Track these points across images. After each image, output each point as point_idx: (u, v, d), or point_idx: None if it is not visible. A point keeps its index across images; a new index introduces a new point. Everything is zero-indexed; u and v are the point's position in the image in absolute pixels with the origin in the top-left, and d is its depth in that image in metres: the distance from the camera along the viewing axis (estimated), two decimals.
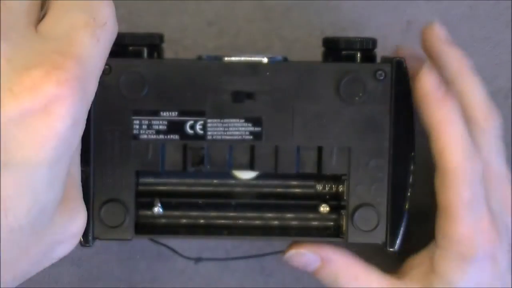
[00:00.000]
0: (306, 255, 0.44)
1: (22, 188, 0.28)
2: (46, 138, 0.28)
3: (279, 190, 0.43)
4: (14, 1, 0.30)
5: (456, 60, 0.43)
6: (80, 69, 0.29)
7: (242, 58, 0.41)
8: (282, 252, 0.45)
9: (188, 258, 0.51)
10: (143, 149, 0.40)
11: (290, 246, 0.44)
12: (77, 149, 0.33)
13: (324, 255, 0.44)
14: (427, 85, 0.40)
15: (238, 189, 0.43)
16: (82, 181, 0.35)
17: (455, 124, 0.40)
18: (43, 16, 0.31)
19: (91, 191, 0.40)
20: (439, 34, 0.42)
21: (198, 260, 0.52)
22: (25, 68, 0.28)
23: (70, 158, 0.30)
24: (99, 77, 0.31)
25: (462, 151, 0.40)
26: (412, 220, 0.41)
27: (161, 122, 0.40)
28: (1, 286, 0.29)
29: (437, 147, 0.41)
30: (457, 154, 0.40)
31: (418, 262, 0.44)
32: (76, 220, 0.33)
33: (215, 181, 0.43)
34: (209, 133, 0.40)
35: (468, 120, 0.42)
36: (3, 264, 0.29)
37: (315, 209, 0.43)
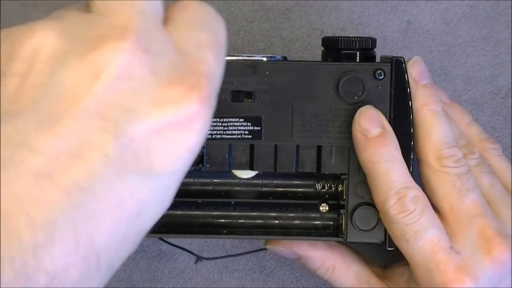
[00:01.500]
0: (283, 251, 0.45)
1: (157, 195, 0.29)
2: (182, 150, 0.29)
3: (278, 189, 0.43)
4: (145, 2, 0.30)
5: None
6: (211, 88, 0.30)
7: (242, 58, 0.41)
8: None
9: (194, 254, 0.51)
10: None
11: (268, 241, 0.45)
12: None
13: (300, 252, 0.44)
14: (360, 124, 0.40)
15: (237, 189, 0.43)
16: None
17: (380, 164, 0.40)
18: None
19: None
20: (411, 72, 0.42)
21: (198, 259, 0.52)
22: (168, 82, 0.29)
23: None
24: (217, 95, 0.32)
25: (386, 193, 0.39)
26: None
27: None
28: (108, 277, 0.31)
29: (368, 184, 0.41)
30: (380, 196, 0.40)
31: (401, 271, 0.44)
32: None
33: (214, 180, 0.43)
34: (208, 132, 0.40)
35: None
36: (120, 261, 0.30)
37: (314, 208, 0.43)
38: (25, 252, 0.26)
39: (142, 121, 0.28)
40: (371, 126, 0.40)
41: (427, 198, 0.40)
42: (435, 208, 0.41)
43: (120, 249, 0.29)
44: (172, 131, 0.29)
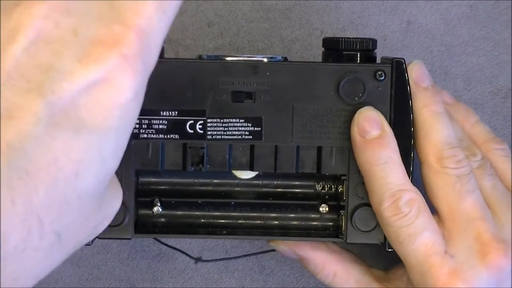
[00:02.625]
0: (285, 251, 0.45)
1: (92, 153, 0.29)
2: (111, 107, 0.29)
3: (278, 190, 0.43)
4: None
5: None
6: (142, 43, 0.30)
7: (242, 58, 0.41)
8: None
9: (191, 257, 0.51)
10: (143, 148, 0.40)
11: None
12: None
13: (301, 254, 0.45)
14: (359, 125, 0.40)
15: (237, 189, 0.43)
16: None
17: (377, 166, 0.40)
18: None
19: None
20: (411, 76, 0.41)
21: (198, 260, 0.52)
22: (90, 41, 0.29)
23: (130, 132, 0.31)
24: (160, 49, 0.32)
25: (381, 196, 0.39)
26: None
27: (161, 121, 0.40)
28: (62, 256, 0.30)
29: (366, 186, 0.41)
30: (376, 198, 0.40)
31: (401, 272, 0.44)
32: (117, 199, 0.35)
33: (214, 180, 0.43)
34: (209, 132, 0.40)
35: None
36: (71, 229, 0.30)
37: (314, 209, 0.43)
38: None
39: (67, 80, 0.28)
40: (370, 127, 0.40)
41: (424, 201, 0.40)
42: (435, 210, 0.41)
43: (63, 212, 0.29)
44: (97, 88, 0.29)
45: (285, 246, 0.45)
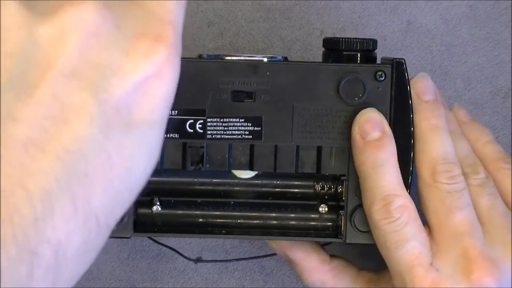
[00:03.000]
0: (277, 250, 0.45)
1: (142, 148, 0.30)
2: (158, 99, 0.30)
3: (278, 189, 0.43)
4: None
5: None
6: (176, 35, 0.31)
7: (243, 58, 0.41)
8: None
9: (188, 259, 0.51)
10: None
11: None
12: None
13: (292, 257, 0.45)
14: (360, 126, 0.40)
15: (237, 188, 0.43)
16: None
17: (373, 169, 0.39)
18: None
19: None
20: (414, 88, 0.41)
21: (198, 260, 0.52)
22: (134, 35, 0.29)
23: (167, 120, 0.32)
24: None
25: (373, 197, 0.39)
26: None
27: None
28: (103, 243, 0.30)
29: (360, 187, 0.40)
30: (369, 199, 0.39)
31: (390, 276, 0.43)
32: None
33: (214, 180, 0.43)
34: (208, 132, 0.40)
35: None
36: (116, 221, 0.30)
37: (313, 209, 0.43)
38: (26, 227, 0.26)
39: (116, 75, 0.29)
40: (371, 129, 0.40)
41: (415, 210, 0.39)
42: (426, 223, 0.40)
43: (116, 207, 0.29)
44: (146, 82, 0.29)
45: (278, 246, 0.45)
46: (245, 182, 0.43)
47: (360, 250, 0.48)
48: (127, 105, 0.29)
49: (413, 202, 0.40)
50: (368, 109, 0.40)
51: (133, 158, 0.29)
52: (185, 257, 0.51)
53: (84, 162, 0.27)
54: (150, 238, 0.49)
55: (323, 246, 0.46)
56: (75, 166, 0.27)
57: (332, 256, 0.45)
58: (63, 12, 0.28)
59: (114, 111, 0.28)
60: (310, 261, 0.44)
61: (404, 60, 0.41)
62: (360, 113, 0.40)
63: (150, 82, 0.29)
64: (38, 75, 0.27)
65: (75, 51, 0.28)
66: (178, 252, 0.51)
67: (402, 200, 0.39)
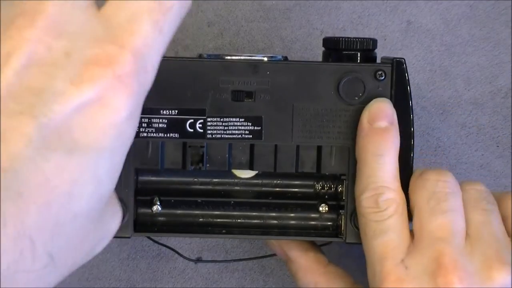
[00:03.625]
0: (275, 248, 0.45)
1: (86, 174, 0.29)
2: (105, 127, 0.29)
3: (278, 189, 0.43)
4: None
5: None
6: (137, 63, 0.29)
7: (243, 57, 0.41)
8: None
9: (188, 259, 0.51)
10: (142, 147, 0.40)
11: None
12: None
13: (290, 254, 0.45)
14: (370, 114, 0.40)
15: (237, 188, 0.43)
16: None
17: (372, 156, 0.39)
18: None
19: None
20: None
21: (198, 260, 0.52)
22: (83, 61, 0.29)
23: (126, 152, 0.31)
24: (157, 68, 0.31)
25: (366, 184, 0.39)
26: None
27: (161, 120, 0.40)
28: (57, 276, 0.30)
29: (356, 172, 0.40)
30: (361, 184, 0.39)
31: None
32: (116, 219, 0.35)
33: (214, 179, 0.43)
34: (209, 131, 0.40)
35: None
36: (65, 250, 0.30)
37: (314, 209, 0.43)
38: None
39: (58, 102, 0.28)
40: (380, 118, 0.40)
41: (405, 207, 0.39)
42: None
43: (57, 234, 0.29)
44: (90, 109, 0.29)
45: (277, 243, 0.45)
46: (245, 182, 0.43)
47: (360, 250, 0.48)
48: (69, 129, 0.29)
49: (404, 199, 0.39)
50: (383, 98, 0.40)
51: (76, 183, 0.29)
52: (184, 257, 0.51)
53: (18, 181, 0.27)
54: (149, 238, 0.49)
55: (320, 246, 0.46)
56: (7, 184, 0.27)
57: (331, 262, 0.45)
58: (8, 37, 0.29)
59: (54, 134, 0.28)
60: (307, 260, 0.44)
61: (404, 60, 0.41)
62: (374, 100, 0.40)
63: (93, 109, 0.29)
64: None
65: (14, 77, 0.28)
66: (177, 253, 0.51)
67: (393, 194, 0.39)
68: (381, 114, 0.40)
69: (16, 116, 0.28)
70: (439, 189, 0.39)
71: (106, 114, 0.29)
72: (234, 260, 0.51)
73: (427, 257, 0.38)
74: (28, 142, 0.28)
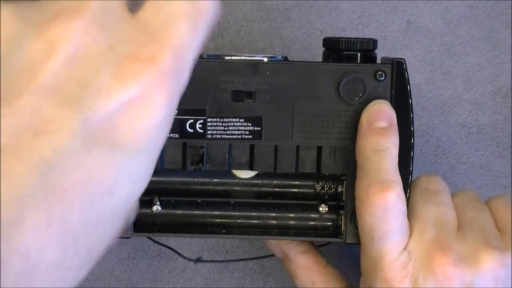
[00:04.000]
0: (274, 247, 0.45)
1: (125, 173, 0.29)
2: (146, 125, 0.29)
3: (278, 189, 0.43)
4: None
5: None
6: (176, 61, 0.29)
7: (243, 58, 0.41)
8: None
9: (188, 259, 0.51)
10: None
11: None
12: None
13: (288, 253, 0.45)
14: (369, 114, 0.40)
15: (237, 188, 0.43)
16: None
17: (373, 152, 0.40)
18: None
19: None
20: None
21: (198, 260, 0.52)
22: (126, 56, 0.29)
23: (159, 153, 0.31)
24: (191, 68, 0.31)
25: (372, 179, 0.39)
26: None
27: None
28: (87, 272, 0.30)
29: (357, 172, 0.41)
30: (366, 181, 0.39)
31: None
32: (134, 217, 0.34)
33: (214, 180, 0.43)
34: (209, 131, 0.40)
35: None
36: (99, 248, 0.30)
37: (313, 209, 0.43)
38: None
39: (102, 95, 0.28)
40: (380, 118, 0.40)
41: (405, 200, 0.40)
42: None
43: (97, 231, 0.29)
44: (133, 106, 0.28)
45: (276, 242, 0.45)
46: (245, 182, 0.43)
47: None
48: (112, 126, 0.28)
49: (403, 190, 0.40)
50: (382, 100, 0.40)
51: (117, 182, 0.29)
52: (184, 257, 0.51)
53: (61, 176, 0.27)
54: (149, 238, 0.49)
55: (319, 246, 0.47)
56: (52, 178, 0.27)
57: (328, 264, 0.46)
58: (54, 27, 0.28)
59: (97, 130, 0.28)
60: (306, 259, 0.45)
61: (404, 60, 0.41)
62: (373, 101, 0.40)
63: (136, 105, 0.29)
64: (22, 86, 0.27)
65: (61, 67, 0.28)
66: (177, 253, 0.51)
67: (399, 189, 0.39)
68: (380, 115, 0.40)
69: (61, 109, 0.27)
70: (431, 186, 0.42)
71: (149, 111, 0.29)
72: (234, 260, 0.51)
73: (424, 241, 0.39)
74: (72, 136, 0.27)
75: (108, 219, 0.29)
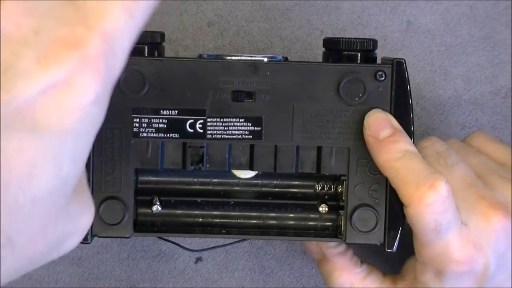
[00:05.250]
0: (312, 247, 0.46)
1: (47, 156, 0.28)
2: (70, 109, 0.28)
3: (278, 189, 0.43)
4: None
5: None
6: (106, 46, 0.29)
7: (243, 58, 0.41)
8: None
9: (192, 250, 0.51)
10: (142, 147, 0.40)
11: None
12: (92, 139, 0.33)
13: (326, 252, 0.45)
14: (370, 128, 0.40)
15: (237, 188, 0.43)
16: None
17: (397, 160, 0.40)
18: None
19: (91, 188, 0.40)
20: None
21: (198, 259, 0.52)
22: (51, 40, 0.28)
23: (92, 138, 0.30)
24: (127, 53, 0.31)
25: (415, 183, 0.39)
26: None
27: (161, 120, 0.40)
28: (16, 264, 0.29)
29: (393, 186, 0.40)
30: (410, 187, 0.39)
31: (410, 266, 0.44)
32: (86, 214, 0.34)
33: (214, 180, 0.43)
34: (209, 132, 0.40)
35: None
36: (25, 236, 0.29)
37: (313, 209, 0.43)
38: None
39: (23, 81, 0.28)
40: (381, 128, 0.40)
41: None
42: None
43: (16, 216, 0.28)
44: (56, 90, 0.28)
45: (314, 245, 0.46)
46: (245, 182, 0.43)
47: (359, 251, 0.48)
48: (33, 110, 0.28)
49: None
50: (372, 110, 0.40)
51: (36, 165, 0.28)
52: (188, 249, 0.51)
53: None
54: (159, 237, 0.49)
55: None
56: None
57: (364, 261, 0.46)
58: None
59: (16, 113, 0.28)
60: (345, 260, 0.45)
61: (404, 60, 0.41)
62: (366, 116, 0.40)
63: (58, 90, 0.28)
64: None
65: None
66: (182, 246, 0.50)
67: (442, 175, 0.39)
68: (380, 125, 0.40)
69: None
70: (438, 149, 0.43)
71: (71, 96, 0.28)
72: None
73: (470, 205, 0.41)
74: None
75: (28, 204, 0.28)
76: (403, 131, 0.40)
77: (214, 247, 0.51)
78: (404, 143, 0.40)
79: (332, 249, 0.45)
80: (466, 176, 0.42)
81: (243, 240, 0.50)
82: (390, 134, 0.40)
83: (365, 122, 0.40)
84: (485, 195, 0.41)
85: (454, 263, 0.40)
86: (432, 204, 0.39)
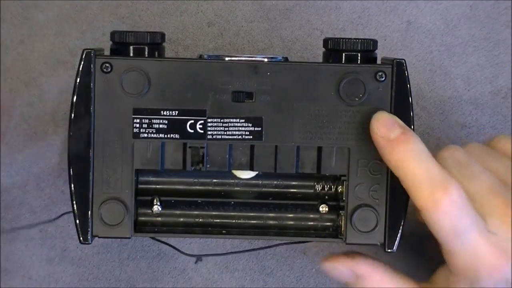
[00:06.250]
0: (342, 271, 0.43)
1: None
2: None
3: (278, 190, 0.43)
4: None
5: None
6: None
7: (243, 58, 0.41)
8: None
9: (190, 255, 0.51)
10: (143, 148, 0.40)
11: (327, 257, 0.44)
12: None
13: (360, 272, 0.43)
14: (379, 130, 0.40)
15: (237, 189, 0.43)
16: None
17: (413, 161, 0.39)
18: None
19: (91, 189, 0.40)
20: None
21: (198, 259, 0.52)
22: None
23: None
24: None
25: (429, 186, 0.39)
26: None
27: (161, 121, 0.40)
28: None
29: (405, 187, 0.40)
30: (424, 191, 0.39)
31: (442, 275, 0.43)
32: None
33: (214, 180, 0.43)
34: (209, 132, 0.40)
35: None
36: None
37: (314, 209, 0.43)
38: None
39: None
40: (389, 129, 0.40)
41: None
42: None
43: None
44: None
45: (343, 266, 0.43)
46: (245, 183, 0.43)
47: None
48: None
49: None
50: (378, 112, 0.40)
51: None
52: (186, 254, 0.51)
53: None
54: (153, 238, 0.49)
55: None
56: None
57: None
58: None
59: None
60: (379, 272, 0.43)
61: (404, 60, 0.41)
62: (373, 119, 0.40)
63: None
64: None
65: None
66: (179, 250, 0.51)
67: (453, 178, 0.39)
68: (388, 127, 0.40)
69: None
70: (460, 159, 0.42)
71: None
72: (234, 252, 0.51)
73: (497, 214, 0.40)
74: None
75: None
76: (411, 130, 0.40)
77: (212, 255, 0.51)
78: (416, 143, 0.40)
79: (364, 265, 0.43)
80: (491, 185, 0.41)
81: (242, 251, 0.50)
82: (401, 133, 0.40)
83: (372, 124, 0.40)
84: (509, 203, 0.40)
85: (485, 269, 0.39)
86: (447, 208, 0.38)
